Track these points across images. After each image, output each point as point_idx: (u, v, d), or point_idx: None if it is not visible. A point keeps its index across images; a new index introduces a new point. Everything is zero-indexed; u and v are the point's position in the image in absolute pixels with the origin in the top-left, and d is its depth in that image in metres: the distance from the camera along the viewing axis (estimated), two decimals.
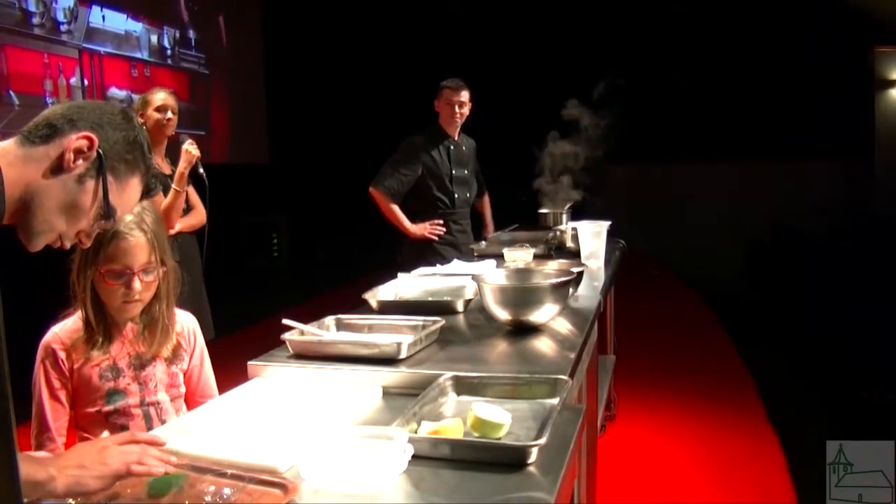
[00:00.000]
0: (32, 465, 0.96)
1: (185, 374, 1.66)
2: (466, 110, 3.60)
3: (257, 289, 7.29)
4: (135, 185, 1.24)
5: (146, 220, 1.51)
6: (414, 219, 3.61)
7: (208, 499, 0.97)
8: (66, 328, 1.56)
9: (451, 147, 3.65)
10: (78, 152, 1.13)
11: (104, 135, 1.17)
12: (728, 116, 8.16)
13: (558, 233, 3.35)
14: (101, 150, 1.16)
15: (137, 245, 1.49)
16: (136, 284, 1.50)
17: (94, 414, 1.54)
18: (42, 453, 1.39)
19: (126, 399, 1.55)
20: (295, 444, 1.08)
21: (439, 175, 3.60)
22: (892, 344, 4.48)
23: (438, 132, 3.64)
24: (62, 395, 1.53)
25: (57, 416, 1.52)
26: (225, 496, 0.97)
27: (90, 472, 0.99)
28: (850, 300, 5.76)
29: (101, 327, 1.54)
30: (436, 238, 3.57)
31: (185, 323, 1.69)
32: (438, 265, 2.74)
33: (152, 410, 1.57)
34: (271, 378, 1.50)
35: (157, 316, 1.58)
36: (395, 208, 3.55)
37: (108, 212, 1.18)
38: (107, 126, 1.18)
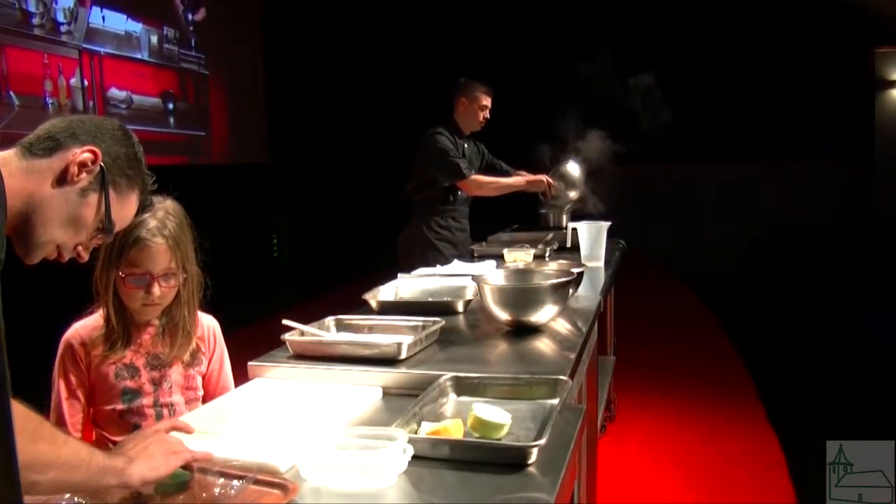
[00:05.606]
0: (106, 454, 0.97)
1: (203, 378, 1.67)
2: (488, 115, 3.60)
3: (257, 289, 7.28)
4: (134, 201, 1.25)
5: (168, 226, 1.52)
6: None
7: (218, 490, 0.99)
8: (86, 325, 1.57)
9: (466, 146, 3.64)
10: (82, 166, 1.14)
11: (106, 149, 1.18)
12: (728, 116, 8.15)
13: (558, 233, 3.36)
14: (103, 165, 1.16)
15: (158, 251, 1.50)
16: (156, 289, 1.51)
17: (110, 412, 1.55)
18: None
19: (141, 399, 1.56)
20: (295, 444, 1.08)
21: None
22: (892, 344, 4.48)
23: (457, 129, 3.60)
24: (79, 390, 1.55)
25: (73, 411, 1.54)
26: (234, 487, 0.99)
27: (161, 459, 1.00)
28: (849, 300, 5.77)
29: (121, 326, 1.56)
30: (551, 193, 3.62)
31: (207, 325, 1.69)
32: (438, 265, 2.75)
33: (166, 412, 1.57)
34: (272, 378, 1.50)
35: (177, 320, 1.59)
36: (485, 177, 3.54)
37: (108, 226, 1.19)
38: (109, 141, 1.19)
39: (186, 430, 1.13)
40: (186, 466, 1.03)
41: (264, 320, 4.95)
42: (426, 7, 8.70)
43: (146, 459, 0.99)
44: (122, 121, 1.29)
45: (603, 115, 3.66)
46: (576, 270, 1.93)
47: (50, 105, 5.67)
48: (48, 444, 0.89)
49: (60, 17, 5.78)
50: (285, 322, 1.61)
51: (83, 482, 0.93)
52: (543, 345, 1.64)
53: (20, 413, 0.83)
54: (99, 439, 1.56)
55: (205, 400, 1.65)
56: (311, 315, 1.74)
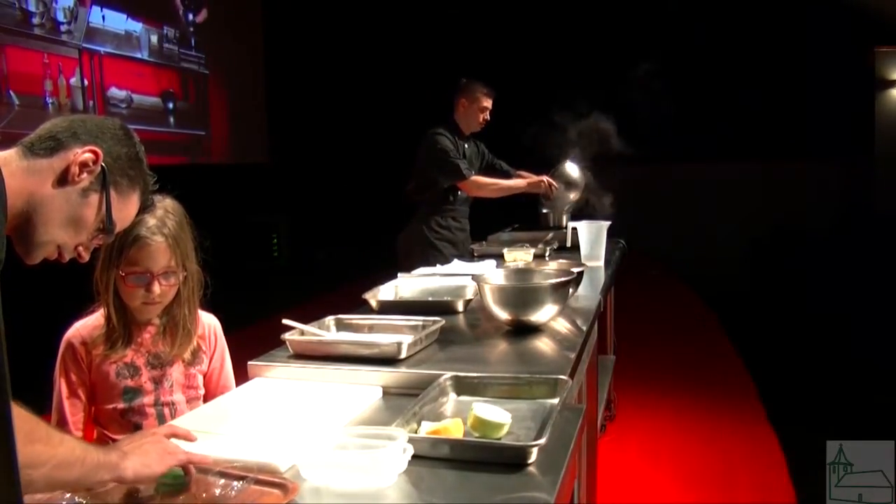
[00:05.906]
0: (101, 450, 0.97)
1: (204, 376, 1.67)
2: (488, 116, 3.61)
3: (257, 289, 7.28)
4: (135, 201, 1.25)
5: (168, 224, 1.52)
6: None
7: (218, 491, 0.99)
8: (87, 324, 1.58)
9: (466, 146, 3.65)
10: (83, 166, 1.14)
11: (108, 149, 1.18)
12: (728, 116, 8.15)
13: (558, 233, 3.36)
14: (104, 165, 1.16)
15: (158, 249, 1.50)
16: (156, 288, 1.51)
17: (111, 411, 1.55)
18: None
19: (142, 398, 1.56)
20: (295, 444, 1.08)
21: None
22: (892, 344, 4.48)
23: (457, 129, 3.61)
24: (80, 390, 1.55)
25: (74, 410, 1.54)
26: (235, 488, 0.99)
27: (156, 457, 1.00)
28: (849, 300, 5.77)
29: (122, 325, 1.56)
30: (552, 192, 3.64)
31: (207, 324, 1.69)
32: (438, 265, 2.75)
33: (166, 410, 1.58)
34: (272, 378, 1.50)
35: (178, 318, 1.59)
36: (486, 178, 3.55)
37: (109, 227, 1.19)
38: (110, 141, 1.19)
39: (187, 437, 1.12)
40: (183, 468, 1.02)
41: (264, 320, 4.94)
42: (427, 7, 8.70)
43: (141, 456, 0.99)
44: (122, 120, 1.29)
45: (603, 114, 3.67)
46: (576, 270, 1.93)
47: (50, 105, 5.66)
48: (44, 445, 0.89)
49: (60, 17, 5.78)
50: (285, 322, 1.61)
51: (79, 479, 0.93)
52: (543, 344, 1.64)
53: (16, 414, 0.83)
54: (100, 438, 1.57)
55: (206, 398, 1.65)
56: (311, 315, 1.74)
